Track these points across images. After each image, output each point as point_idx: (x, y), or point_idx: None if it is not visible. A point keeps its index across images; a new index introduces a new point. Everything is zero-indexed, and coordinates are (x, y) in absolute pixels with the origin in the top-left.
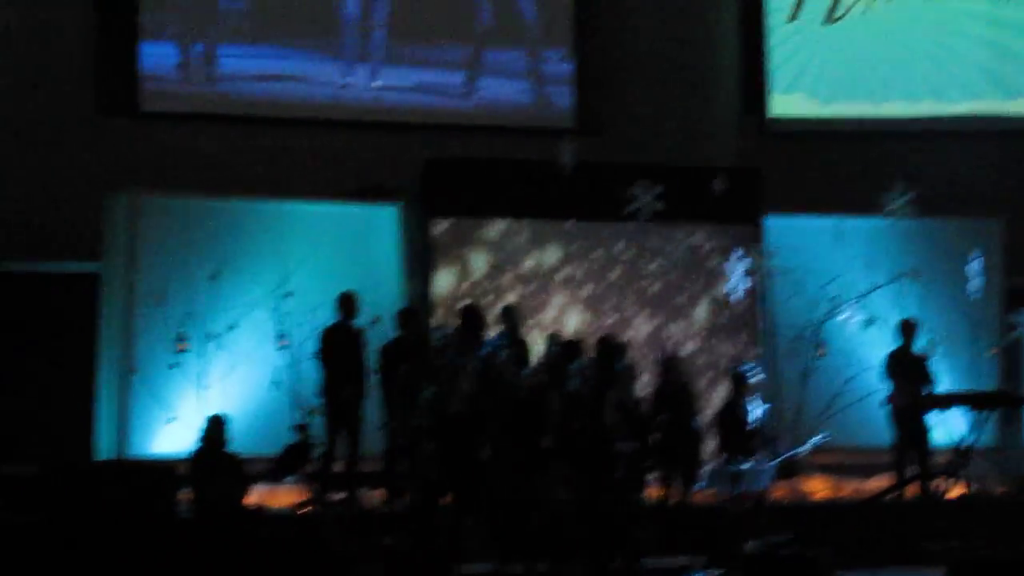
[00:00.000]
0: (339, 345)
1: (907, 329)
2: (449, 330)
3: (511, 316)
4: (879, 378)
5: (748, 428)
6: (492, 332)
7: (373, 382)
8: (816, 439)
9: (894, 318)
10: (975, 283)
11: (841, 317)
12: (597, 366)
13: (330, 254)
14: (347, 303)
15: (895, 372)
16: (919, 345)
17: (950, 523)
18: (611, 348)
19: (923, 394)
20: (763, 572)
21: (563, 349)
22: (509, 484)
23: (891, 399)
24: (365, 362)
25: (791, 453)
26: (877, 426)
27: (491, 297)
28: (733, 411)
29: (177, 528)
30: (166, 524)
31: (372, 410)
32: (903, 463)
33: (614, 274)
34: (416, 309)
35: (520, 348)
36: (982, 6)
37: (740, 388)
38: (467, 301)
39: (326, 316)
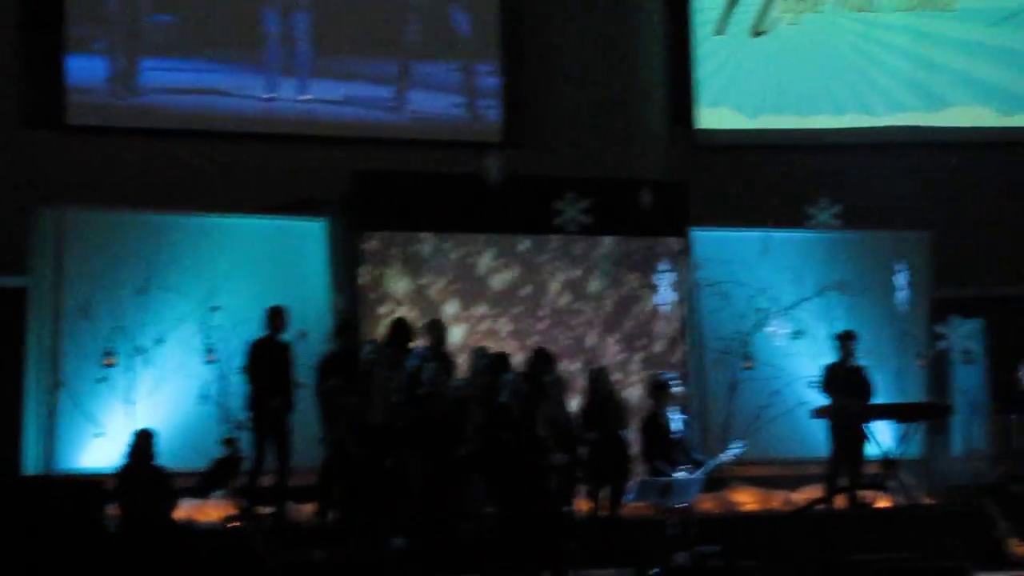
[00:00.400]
0: (266, 359)
1: (844, 341)
2: (376, 344)
3: (436, 330)
4: (816, 390)
5: (671, 437)
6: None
7: (301, 395)
8: (734, 449)
9: (822, 330)
10: (901, 295)
11: (769, 329)
12: (528, 379)
13: (258, 268)
14: (275, 317)
15: (832, 385)
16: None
17: (878, 535)
18: (542, 360)
19: (862, 405)
20: None
21: (492, 362)
22: (429, 497)
23: (824, 411)
24: (293, 376)
25: (714, 463)
26: (805, 438)
27: (419, 311)
28: (655, 421)
29: (105, 543)
30: (94, 539)
31: (306, 424)
32: (836, 474)
33: (544, 287)
34: (351, 321)
35: (445, 361)
36: (906, 19)
37: (661, 397)
38: (396, 315)
39: (254, 330)
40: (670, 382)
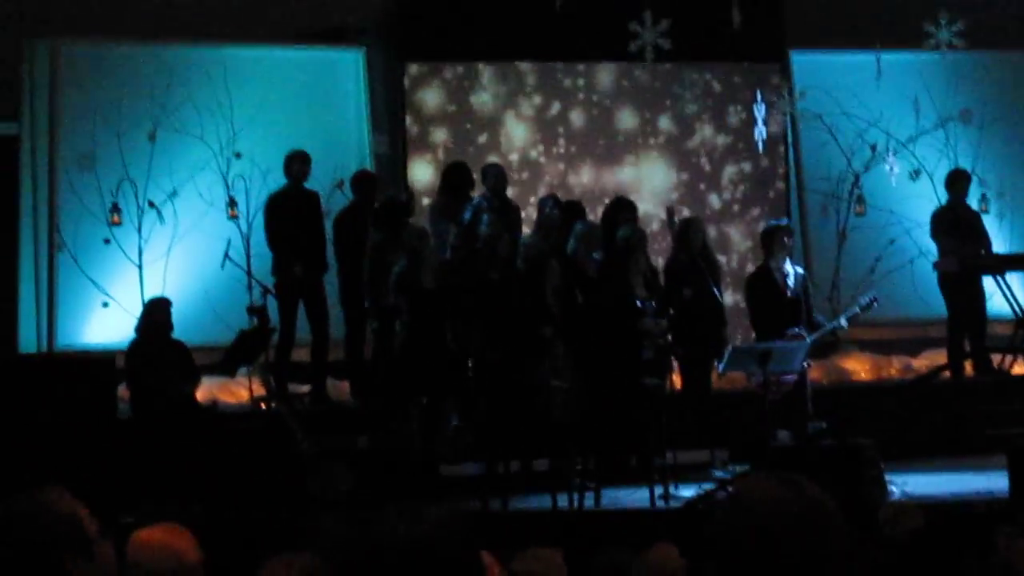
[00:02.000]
0: (290, 214)
1: (957, 181)
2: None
3: (495, 175)
4: (928, 239)
5: (787, 297)
6: (476, 194)
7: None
8: (863, 300)
9: (943, 168)
10: None
11: (885, 167)
12: (606, 230)
13: (286, 107)
14: (292, 163)
15: (944, 232)
16: (972, 200)
17: (1013, 406)
18: (622, 208)
19: (977, 256)
20: (796, 467)
21: (562, 211)
22: (499, 373)
23: (939, 263)
24: (323, 233)
25: (831, 325)
26: (926, 294)
27: (473, 153)
28: (766, 275)
29: (117, 430)
30: (104, 426)
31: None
32: (957, 337)
33: (616, 123)
34: (371, 174)
35: (510, 212)
36: None
37: (773, 247)
38: (448, 159)
39: (282, 180)
40: (785, 228)
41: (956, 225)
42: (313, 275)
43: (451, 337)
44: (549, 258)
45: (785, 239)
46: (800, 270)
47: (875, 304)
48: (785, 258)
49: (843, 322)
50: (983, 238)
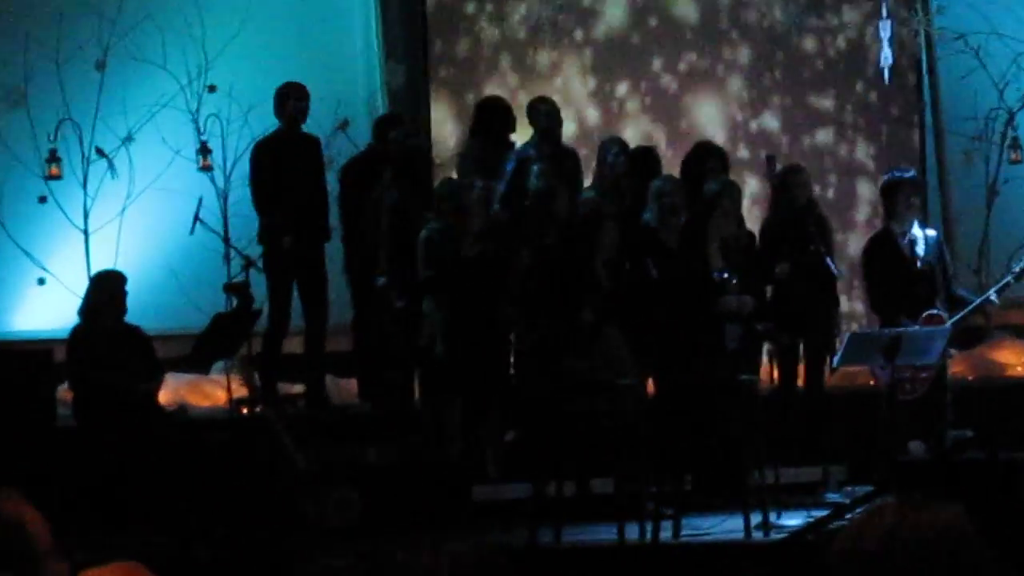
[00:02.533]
0: (282, 165)
1: None
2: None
3: (545, 113)
4: None
5: (916, 268)
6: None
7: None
8: (1017, 268)
9: None
10: None
11: None
12: (686, 185)
13: (274, 29)
14: (285, 101)
15: None
16: None
17: None
18: (708, 156)
19: None
20: (933, 487)
21: (631, 160)
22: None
23: None
24: (324, 190)
25: (978, 301)
26: None
27: (517, 88)
28: (888, 243)
29: (58, 439)
30: (41, 433)
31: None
32: None
33: (700, 43)
34: (397, 115)
35: (566, 160)
36: None
37: (899, 205)
38: (485, 94)
39: (268, 121)
40: (909, 182)
41: None
42: (311, 244)
43: (500, 321)
44: (604, 219)
45: (912, 196)
46: (933, 233)
47: None
48: (913, 220)
49: (993, 297)
50: None
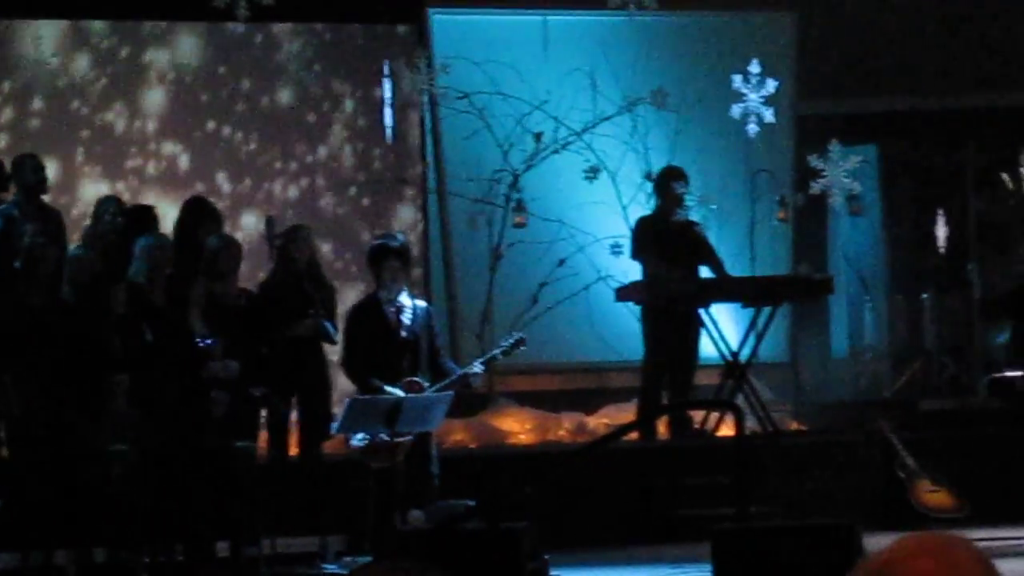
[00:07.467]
0: None
1: (667, 182)
2: None
3: (30, 169)
4: (628, 255)
5: (401, 337)
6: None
7: None
8: (505, 341)
9: (628, 164)
10: (751, 108)
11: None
12: (179, 243)
13: None
14: None
15: (648, 249)
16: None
17: (718, 475)
18: (200, 213)
19: (699, 278)
20: (433, 556)
21: (127, 217)
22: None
23: (635, 290)
24: None
25: (460, 372)
26: (607, 333)
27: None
28: (373, 309)
29: None
30: None
31: None
32: (656, 387)
33: (200, 99)
34: None
35: (48, 220)
36: None
37: (385, 272)
38: None
39: None
40: (398, 247)
41: (666, 239)
42: None
43: None
44: (110, 282)
45: (396, 263)
46: (423, 304)
47: (522, 345)
48: (401, 288)
49: (477, 367)
50: (700, 253)
